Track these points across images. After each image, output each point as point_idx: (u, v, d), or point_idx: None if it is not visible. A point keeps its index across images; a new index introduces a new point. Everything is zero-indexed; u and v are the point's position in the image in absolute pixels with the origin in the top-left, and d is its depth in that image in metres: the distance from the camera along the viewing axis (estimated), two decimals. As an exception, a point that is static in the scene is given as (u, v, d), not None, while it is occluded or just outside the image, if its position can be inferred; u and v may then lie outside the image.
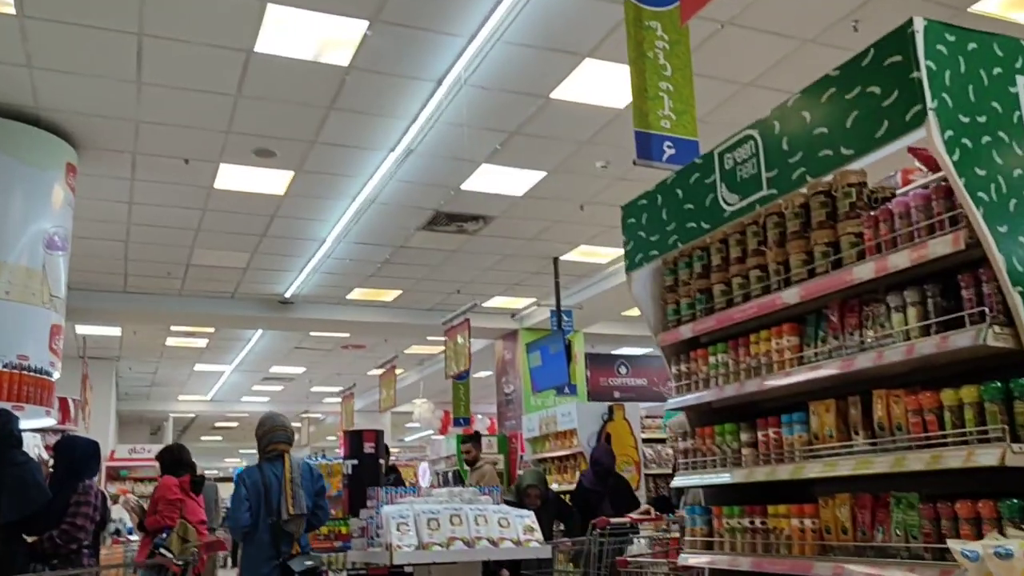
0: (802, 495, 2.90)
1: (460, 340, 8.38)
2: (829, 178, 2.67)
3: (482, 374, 17.45)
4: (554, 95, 6.68)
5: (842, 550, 2.60)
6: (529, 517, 5.62)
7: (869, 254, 2.55)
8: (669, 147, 3.82)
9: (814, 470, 2.69)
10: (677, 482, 3.33)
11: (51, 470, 4.96)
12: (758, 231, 3.02)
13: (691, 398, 3.29)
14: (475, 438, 8.65)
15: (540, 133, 7.35)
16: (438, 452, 13.54)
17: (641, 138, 3.78)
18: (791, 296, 2.79)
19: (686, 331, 3.28)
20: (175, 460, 6.51)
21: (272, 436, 5.28)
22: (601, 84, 6.55)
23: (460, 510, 5.51)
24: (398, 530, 5.26)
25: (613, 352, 15.82)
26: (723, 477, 3.16)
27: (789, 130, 2.71)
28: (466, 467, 8.89)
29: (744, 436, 3.08)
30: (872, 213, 2.57)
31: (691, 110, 3.95)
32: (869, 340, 2.56)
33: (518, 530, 5.49)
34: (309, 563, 5.02)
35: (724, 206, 2.98)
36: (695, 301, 3.28)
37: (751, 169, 2.86)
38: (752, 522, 2.95)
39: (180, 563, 5.40)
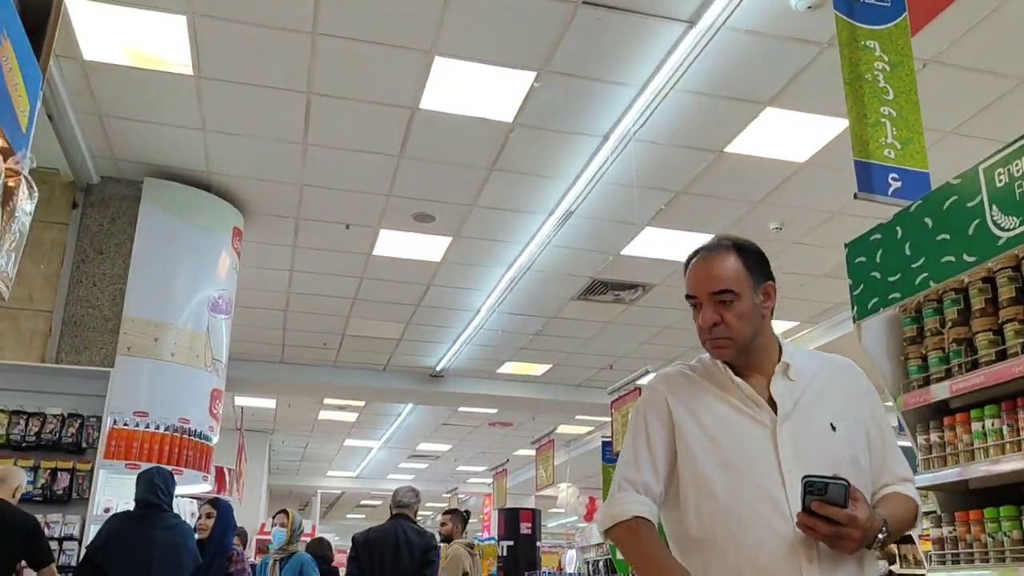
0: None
1: (631, 417, 7.78)
2: None
3: (631, 457, 16.60)
4: (728, 149, 6.22)
5: None
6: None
7: None
8: (895, 179, 3.27)
9: None
10: (933, 581, 2.68)
11: (206, 535, 4.76)
12: (1040, 264, 2.42)
13: (949, 474, 2.65)
14: (456, 513, 7.72)
15: (709, 192, 6.88)
16: (587, 539, 12.85)
17: (862, 169, 3.26)
18: (1103, 342, 2.17)
19: (940, 391, 2.67)
20: (317, 554, 7.25)
21: None
22: (782, 135, 6.05)
23: (632, 602, 4.93)
24: (564, 621, 4.74)
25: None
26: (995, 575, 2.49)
27: (1098, 128, 2.14)
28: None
29: (1030, 524, 2.41)
30: None
31: (919, 138, 3.41)
32: None
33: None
34: None
35: (996, 232, 2.41)
36: (950, 354, 2.68)
37: (1037, 183, 2.29)
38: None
39: None
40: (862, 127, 3.33)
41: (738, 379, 1.78)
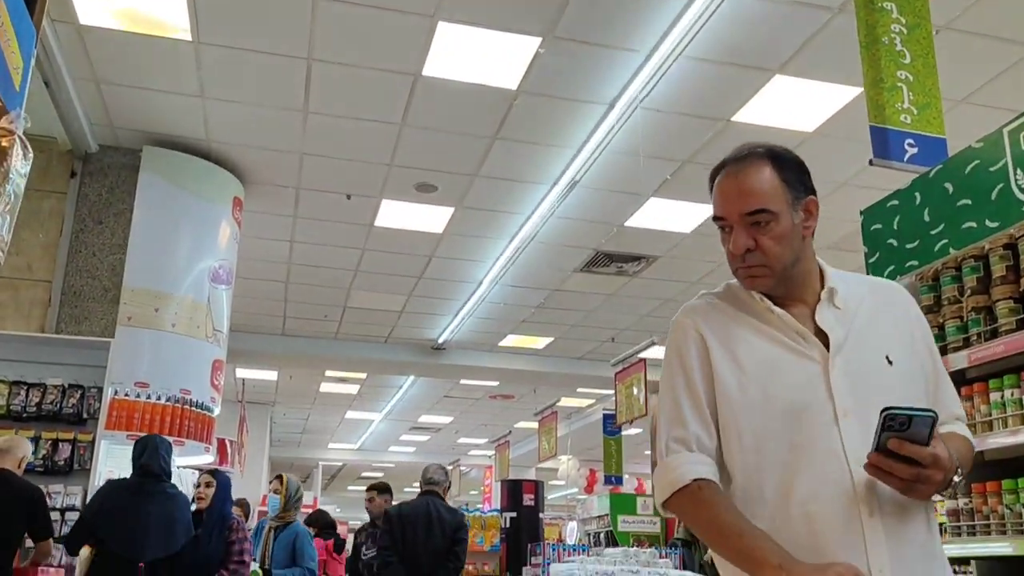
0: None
1: (635, 390, 7.77)
2: None
3: (631, 432, 16.65)
4: (736, 118, 6.12)
5: None
6: (716, 586, 4.94)
7: None
8: (911, 145, 3.20)
9: None
10: (949, 552, 2.64)
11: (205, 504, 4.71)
12: (1064, 230, 2.36)
13: (966, 445, 2.60)
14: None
15: (715, 161, 6.75)
16: (589, 511, 12.87)
17: (877, 134, 3.18)
18: None
19: (958, 360, 2.62)
20: (322, 523, 7.70)
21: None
22: (790, 104, 5.95)
23: (638, 573, 4.89)
24: (568, 592, 4.72)
25: (777, 410, 14.74)
26: (1010, 547, 2.45)
27: None
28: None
29: (1049, 495, 2.37)
30: None
31: (936, 103, 3.33)
32: None
33: (703, 600, 4.83)
34: None
35: (1021, 197, 2.34)
36: (969, 323, 2.62)
37: (1065, 145, 2.22)
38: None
39: None
40: (878, 91, 3.25)
41: (778, 309, 1.52)
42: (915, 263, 2.70)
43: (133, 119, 6.24)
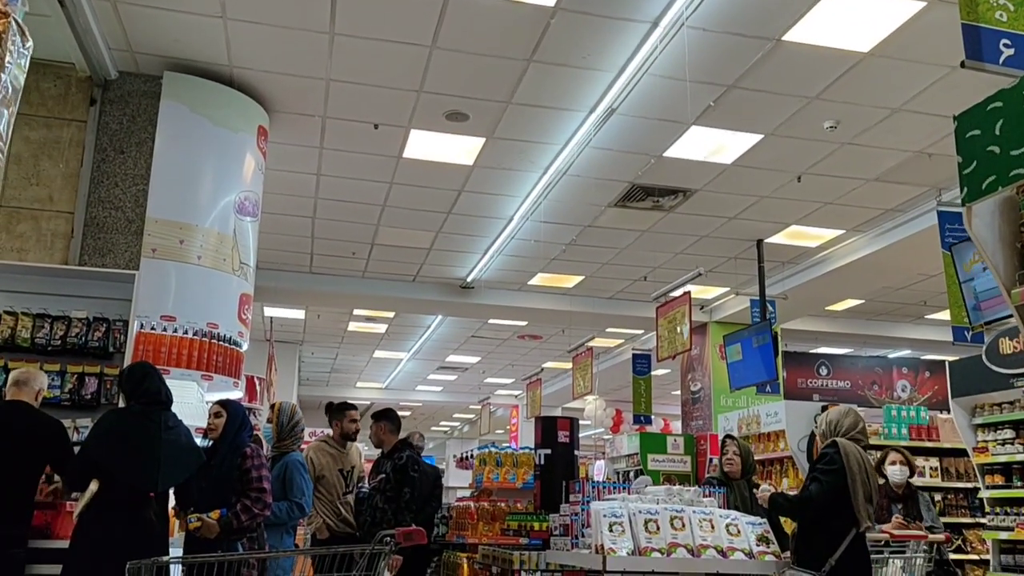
0: None
1: (678, 329, 7.48)
2: None
3: (660, 372, 16.49)
4: (787, 36, 5.74)
5: None
6: (763, 526, 4.76)
7: None
8: (1007, 46, 2.87)
9: None
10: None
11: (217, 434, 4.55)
12: None
13: (1073, 374, 2.32)
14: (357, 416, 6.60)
15: (763, 86, 6.41)
16: (618, 450, 12.80)
17: (970, 33, 2.85)
18: None
19: (1065, 280, 2.33)
20: None
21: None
22: (846, 21, 5.56)
23: (682, 512, 4.68)
24: (610, 531, 4.54)
25: (812, 351, 14.47)
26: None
27: None
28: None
29: None
30: None
31: (1035, -1, 2.97)
32: None
33: (750, 540, 4.61)
34: None
35: None
36: (1081, 238, 2.33)
37: None
38: None
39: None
40: (971, -14, 2.90)
41: None
42: (1022, 171, 2.41)
43: (153, 43, 5.97)
